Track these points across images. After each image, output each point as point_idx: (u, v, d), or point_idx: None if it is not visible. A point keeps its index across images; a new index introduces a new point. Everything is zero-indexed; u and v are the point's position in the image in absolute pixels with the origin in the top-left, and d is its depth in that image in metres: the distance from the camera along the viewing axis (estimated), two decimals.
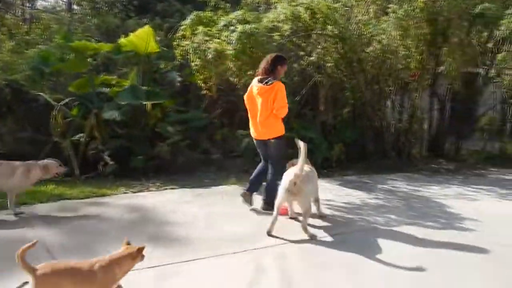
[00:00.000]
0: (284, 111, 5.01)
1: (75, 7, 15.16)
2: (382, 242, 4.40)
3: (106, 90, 7.99)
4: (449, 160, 9.52)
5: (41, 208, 5.24)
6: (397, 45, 7.89)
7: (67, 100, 7.31)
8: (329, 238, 4.45)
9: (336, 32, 7.77)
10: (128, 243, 2.92)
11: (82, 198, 5.74)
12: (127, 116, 7.44)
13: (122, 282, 2.89)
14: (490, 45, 9.74)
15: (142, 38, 7.76)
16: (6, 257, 3.65)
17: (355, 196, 6.25)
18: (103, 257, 2.79)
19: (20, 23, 13.93)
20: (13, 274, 3.28)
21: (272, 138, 5.07)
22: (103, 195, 5.92)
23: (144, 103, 7.43)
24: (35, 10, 15.93)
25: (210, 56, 6.97)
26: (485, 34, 9.31)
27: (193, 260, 3.76)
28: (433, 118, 9.97)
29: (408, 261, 3.86)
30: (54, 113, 7.04)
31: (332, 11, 7.81)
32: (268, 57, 5.09)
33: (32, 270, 2.56)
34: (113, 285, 2.79)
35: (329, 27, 7.80)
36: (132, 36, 7.86)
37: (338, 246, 4.24)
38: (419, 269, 3.73)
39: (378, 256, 3.99)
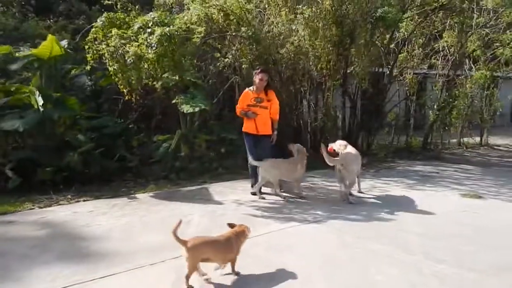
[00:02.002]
0: (236, 111, 6.39)
1: None
2: (308, 239, 4.50)
3: (5, 99, 7.24)
4: (362, 154, 10.01)
5: None
6: (308, 46, 8.15)
7: None
8: (253, 240, 4.44)
9: (250, 34, 7.83)
10: (231, 225, 3.61)
11: None
12: (32, 125, 6.81)
13: None
14: (392, 46, 10.52)
15: (45, 47, 7.20)
16: None
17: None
18: (228, 232, 3.52)
19: None
20: None
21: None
22: (5, 213, 5.39)
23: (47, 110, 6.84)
24: None
25: (129, 60, 6.65)
26: (387, 36, 10.01)
27: (108, 275, 3.52)
28: (346, 116, 10.48)
29: (332, 258, 3.99)
30: None
31: (245, 12, 7.86)
32: None
33: (184, 243, 3.23)
34: (239, 253, 3.49)
35: (243, 28, 7.85)
36: (33, 50, 7.27)
37: (259, 247, 4.24)
38: (339, 265, 3.86)
39: (302, 256, 4.03)
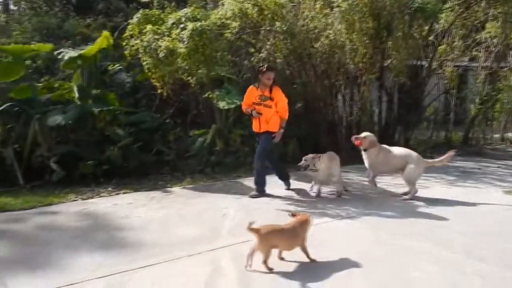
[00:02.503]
0: (242, 108, 6.30)
1: (12, 7, 14.33)
2: (342, 235, 4.46)
3: (49, 94, 7.58)
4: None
5: None
6: (344, 39, 8.03)
7: (5, 106, 6.86)
8: None
9: (284, 28, 7.81)
10: (293, 214, 3.78)
11: (27, 209, 5.44)
12: (74, 120, 7.10)
13: None
14: (431, 38, 10.18)
15: (97, 44, 7.47)
16: None
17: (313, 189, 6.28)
18: (292, 221, 3.67)
19: None
20: None
21: None
22: (50, 204, 5.65)
23: (89, 106, 7.12)
24: None
25: (161, 54, 6.80)
26: (426, 27, 9.70)
27: (147, 266, 3.63)
28: (382, 110, 10.28)
29: (367, 255, 3.91)
30: None
31: (279, 7, 7.84)
32: None
33: (256, 231, 3.44)
34: (305, 240, 3.65)
35: (277, 23, 7.83)
36: (89, 48, 7.57)
37: None
38: (375, 261, 3.80)
39: (337, 252, 3.95)
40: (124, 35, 7.97)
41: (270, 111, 5.97)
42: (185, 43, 6.66)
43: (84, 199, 5.90)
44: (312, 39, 8.24)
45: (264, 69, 5.93)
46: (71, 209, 5.42)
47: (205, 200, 5.86)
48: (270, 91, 5.96)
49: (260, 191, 6.04)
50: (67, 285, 3.31)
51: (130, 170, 7.19)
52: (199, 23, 6.70)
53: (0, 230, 4.63)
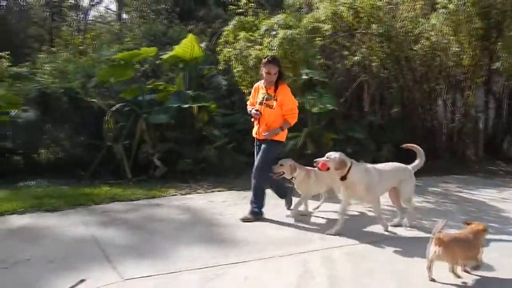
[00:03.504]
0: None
1: (124, 16, 15.82)
2: None
3: (154, 95, 8.25)
4: (508, 161, 8.98)
5: (96, 209, 5.49)
6: (447, 41, 7.57)
7: (118, 106, 7.61)
8: (377, 244, 4.34)
9: (381, 31, 7.59)
10: (468, 223, 3.67)
11: (134, 200, 5.94)
12: (175, 120, 7.64)
13: None
14: None
15: (186, 46, 7.98)
16: (62, 255, 3.88)
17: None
18: (466, 230, 3.57)
19: (75, 33, 14.75)
20: (70, 271, 3.47)
21: None
22: (154, 197, 6.11)
23: (189, 106, 7.58)
24: (88, 21, 16.77)
25: (251, 63, 7.01)
26: None
27: (240, 262, 3.79)
28: (489, 117, 9.48)
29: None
30: (106, 119, 7.36)
31: (375, 9, 7.63)
32: None
33: (439, 239, 3.32)
34: (479, 251, 3.53)
35: (374, 25, 7.63)
36: (176, 48, 8.12)
37: (385, 251, 4.14)
38: (469, 279, 3.54)
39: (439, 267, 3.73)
40: (220, 40, 8.37)
41: (271, 113, 4.95)
42: (275, 51, 6.77)
43: (183, 195, 6.30)
44: (411, 41, 7.90)
45: (265, 61, 4.96)
46: (171, 203, 5.83)
47: (295, 202, 5.88)
48: (276, 89, 4.99)
49: (257, 213, 5.10)
50: (168, 272, 3.58)
51: (224, 169, 7.53)
52: (289, 32, 6.76)
53: (112, 218, 5.14)
